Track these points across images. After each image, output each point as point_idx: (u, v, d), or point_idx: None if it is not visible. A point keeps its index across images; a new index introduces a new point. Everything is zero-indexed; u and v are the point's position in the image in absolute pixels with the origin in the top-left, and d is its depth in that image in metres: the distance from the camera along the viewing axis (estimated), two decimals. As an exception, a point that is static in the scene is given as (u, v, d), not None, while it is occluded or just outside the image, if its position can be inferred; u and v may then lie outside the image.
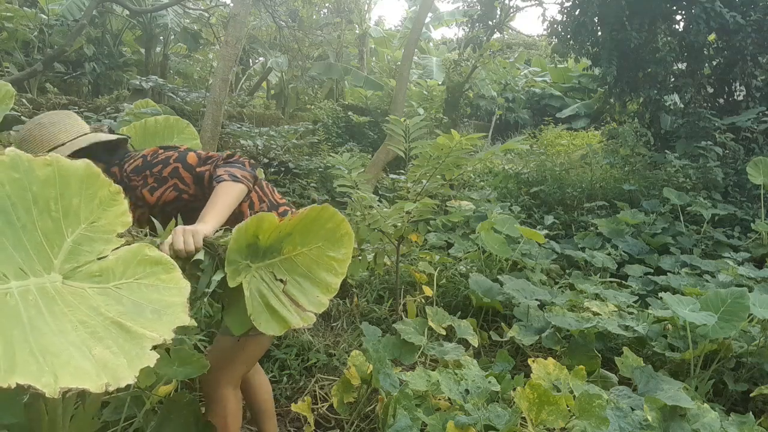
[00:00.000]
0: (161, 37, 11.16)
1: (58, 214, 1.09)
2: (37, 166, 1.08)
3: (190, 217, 1.61)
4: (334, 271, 1.51)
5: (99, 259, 1.10)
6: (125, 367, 0.90)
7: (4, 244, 0.99)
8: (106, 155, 1.76)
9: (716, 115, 6.92)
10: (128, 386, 1.66)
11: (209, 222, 1.43)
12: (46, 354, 0.86)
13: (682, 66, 7.46)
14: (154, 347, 0.96)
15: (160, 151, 1.70)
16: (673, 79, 7.41)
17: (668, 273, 4.30)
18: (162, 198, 1.65)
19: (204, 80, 12.72)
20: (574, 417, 1.98)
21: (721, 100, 7.56)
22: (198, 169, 1.64)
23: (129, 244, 1.16)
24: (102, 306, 1.00)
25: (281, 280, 1.43)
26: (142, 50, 10.81)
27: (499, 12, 10.90)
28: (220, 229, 1.43)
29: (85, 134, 1.74)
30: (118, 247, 1.14)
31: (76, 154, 1.62)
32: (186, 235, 1.30)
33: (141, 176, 1.65)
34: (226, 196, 1.52)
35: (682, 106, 7.33)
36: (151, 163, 1.67)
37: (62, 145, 1.67)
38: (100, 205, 1.16)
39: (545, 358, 2.38)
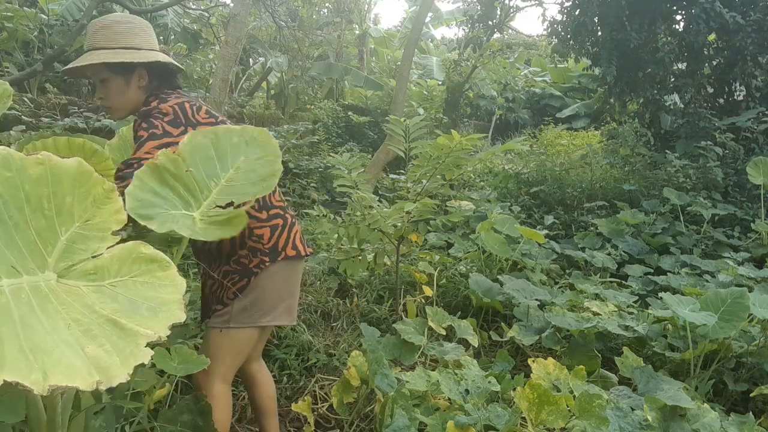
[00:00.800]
0: (161, 37, 11.16)
1: (51, 212, 1.09)
2: (28, 164, 1.08)
3: None
4: (269, 162, 1.54)
5: (94, 257, 1.10)
6: (118, 365, 0.89)
7: (-4, 243, 0.98)
8: (163, 78, 1.81)
9: (716, 115, 6.92)
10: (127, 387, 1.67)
11: None
12: (37, 351, 0.85)
13: (682, 66, 7.46)
14: (150, 345, 0.96)
15: (168, 117, 1.66)
16: (673, 79, 7.41)
17: (668, 273, 4.30)
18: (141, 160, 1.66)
19: (204, 80, 12.71)
20: (574, 417, 1.97)
21: (721, 100, 7.56)
22: (128, 159, 1.61)
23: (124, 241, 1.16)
24: (97, 304, 1.00)
25: (229, 204, 1.48)
26: (142, 50, 10.79)
27: (499, 12, 10.90)
28: None
29: (157, 51, 1.77)
30: (112, 245, 1.14)
31: (144, 65, 1.72)
32: None
33: (138, 122, 1.69)
34: None
35: (682, 106, 7.33)
36: (146, 118, 1.67)
37: (137, 49, 1.71)
38: (94, 203, 1.16)
39: (545, 358, 2.38)
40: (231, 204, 1.49)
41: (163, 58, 1.76)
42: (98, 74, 1.73)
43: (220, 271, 1.83)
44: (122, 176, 1.57)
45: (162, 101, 1.72)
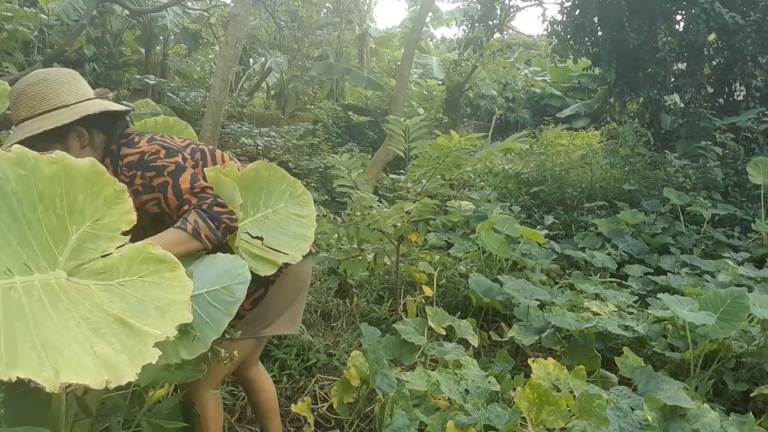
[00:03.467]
0: (161, 37, 11.16)
1: (63, 211, 1.10)
2: (42, 163, 1.09)
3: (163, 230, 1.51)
4: (305, 225, 1.63)
5: (103, 256, 1.11)
6: (126, 364, 0.91)
7: (9, 239, 1.00)
8: (109, 125, 1.61)
9: (716, 115, 6.92)
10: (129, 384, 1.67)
11: None
12: (48, 349, 0.87)
13: (682, 66, 7.47)
14: (157, 344, 0.97)
15: (162, 152, 1.54)
16: (673, 79, 7.41)
17: (668, 273, 4.30)
18: (143, 206, 1.53)
19: (204, 80, 12.71)
20: (574, 417, 1.98)
21: (721, 100, 7.56)
22: (185, 196, 1.51)
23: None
24: (106, 303, 1.02)
25: (258, 237, 1.55)
26: (142, 50, 10.81)
27: (499, 12, 10.88)
28: None
29: (91, 99, 1.57)
30: (122, 245, 1.15)
31: (79, 121, 1.51)
32: None
33: (131, 173, 1.53)
34: (175, 247, 1.36)
35: (682, 106, 7.33)
36: (146, 164, 1.52)
37: (66, 106, 1.50)
38: (105, 203, 1.17)
39: (545, 358, 2.38)
40: (260, 239, 1.55)
41: (95, 107, 1.53)
42: (35, 147, 1.42)
43: None
44: (202, 210, 1.49)
45: (132, 145, 1.57)
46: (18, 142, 1.41)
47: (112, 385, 0.86)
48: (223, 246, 1.55)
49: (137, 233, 1.57)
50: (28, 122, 1.48)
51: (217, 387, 1.87)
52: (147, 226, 1.60)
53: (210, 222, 1.47)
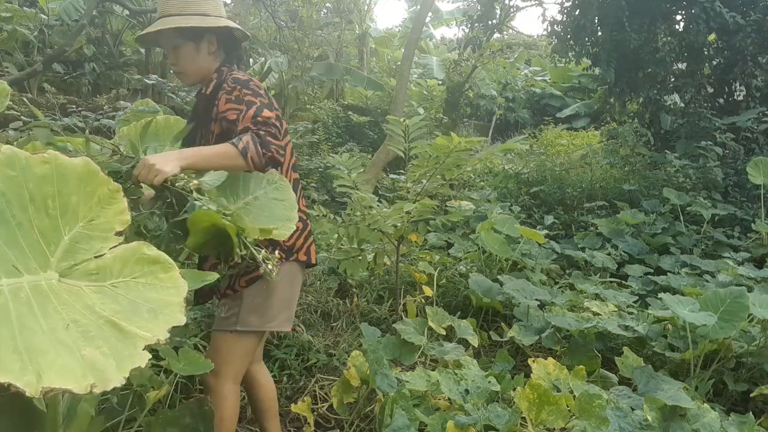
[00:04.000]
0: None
1: (55, 211, 1.09)
2: (34, 163, 1.08)
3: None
4: (287, 208, 1.67)
5: (96, 257, 1.10)
6: (114, 368, 0.88)
7: (-3, 242, 0.98)
8: (232, 49, 1.89)
9: (716, 115, 6.91)
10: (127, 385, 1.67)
11: (183, 162, 1.48)
12: (32, 352, 0.85)
13: (682, 66, 7.46)
14: (147, 347, 0.95)
15: (263, 91, 1.77)
16: (673, 79, 7.41)
17: (668, 273, 4.29)
18: (225, 113, 1.71)
19: (204, 80, 12.67)
20: (574, 417, 1.98)
21: (721, 100, 7.55)
22: (259, 118, 1.67)
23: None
24: (97, 304, 1.00)
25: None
26: (142, 50, 10.80)
27: (498, 12, 10.87)
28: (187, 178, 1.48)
29: (226, 19, 1.83)
30: (115, 246, 1.13)
31: (218, 31, 1.80)
32: (148, 173, 1.41)
33: (232, 86, 1.74)
34: (220, 158, 1.56)
35: (682, 106, 7.33)
36: (249, 85, 1.74)
37: (206, 15, 1.77)
38: (99, 203, 1.16)
39: (545, 358, 2.38)
40: None
41: (233, 25, 1.83)
42: (170, 41, 1.79)
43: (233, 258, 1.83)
44: (269, 133, 1.63)
45: (237, 72, 1.82)
46: (158, 30, 1.73)
47: (97, 390, 0.84)
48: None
49: (209, 132, 1.82)
50: (175, 17, 1.74)
51: (237, 380, 1.88)
52: (211, 139, 1.79)
53: (260, 147, 1.60)
